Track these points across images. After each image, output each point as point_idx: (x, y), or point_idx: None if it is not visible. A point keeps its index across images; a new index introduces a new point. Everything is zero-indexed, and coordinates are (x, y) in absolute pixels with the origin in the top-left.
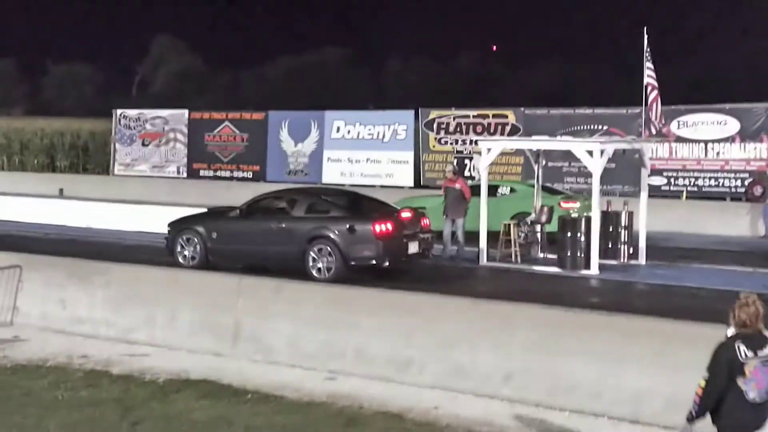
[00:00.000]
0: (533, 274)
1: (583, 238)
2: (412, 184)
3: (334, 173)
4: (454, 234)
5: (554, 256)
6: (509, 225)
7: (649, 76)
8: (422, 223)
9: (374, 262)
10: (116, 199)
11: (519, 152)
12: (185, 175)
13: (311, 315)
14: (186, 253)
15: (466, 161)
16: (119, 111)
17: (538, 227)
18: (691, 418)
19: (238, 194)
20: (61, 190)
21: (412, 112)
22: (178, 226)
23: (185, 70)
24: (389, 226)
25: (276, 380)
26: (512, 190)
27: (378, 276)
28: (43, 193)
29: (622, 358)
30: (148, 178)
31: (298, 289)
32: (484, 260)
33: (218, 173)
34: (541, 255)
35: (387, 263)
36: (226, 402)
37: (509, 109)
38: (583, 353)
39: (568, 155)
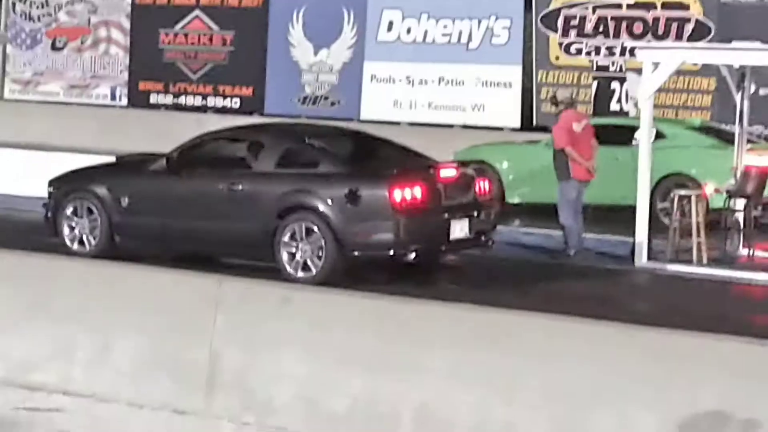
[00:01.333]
0: (728, 285)
1: None
2: (518, 123)
3: (382, 103)
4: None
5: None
6: (685, 198)
7: None
8: (477, 188)
9: (392, 252)
10: (8, 142)
11: (708, 70)
12: (125, 101)
13: (342, 347)
14: (77, 230)
15: (614, 85)
16: None
17: (740, 202)
18: None
19: None
20: None
21: None
22: (66, 186)
23: None
24: (419, 191)
25: None
26: (660, 135)
27: (415, 279)
28: None
29: None
30: (62, 105)
31: (317, 300)
32: (642, 259)
33: (182, 99)
34: (745, 251)
35: (414, 255)
36: None
37: None
38: None
39: None
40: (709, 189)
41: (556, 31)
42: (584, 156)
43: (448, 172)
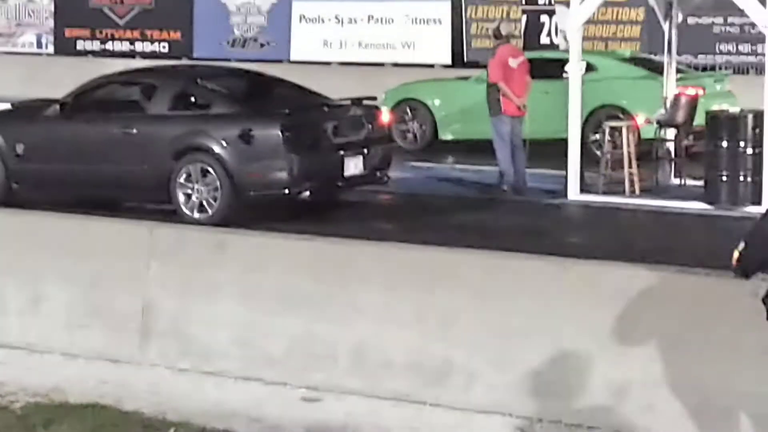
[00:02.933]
0: (663, 215)
1: (749, 152)
2: (449, 60)
3: (312, 43)
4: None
5: (698, 183)
6: (616, 130)
7: None
8: (369, 125)
9: (286, 190)
10: None
11: (636, 1)
12: (51, 49)
13: (278, 290)
14: None
15: (543, 18)
16: None
17: (670, 132)
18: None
19: None
20: None
21: None
22: None
23: None
24: (311, 129)
25: (217, 403)
26: (590, 68)
27: (348, 220)
28: None
29: None
30: None
31: (253, 245)
32: (575, 191)
33: (110, 45)
34: (677, 180)
35: (308, 193)
36: None
37: None
38: (754, 347)
39: (723, 6)
40: (639, 119)
41: None
42: (516, 93)
43: (341, 110)
